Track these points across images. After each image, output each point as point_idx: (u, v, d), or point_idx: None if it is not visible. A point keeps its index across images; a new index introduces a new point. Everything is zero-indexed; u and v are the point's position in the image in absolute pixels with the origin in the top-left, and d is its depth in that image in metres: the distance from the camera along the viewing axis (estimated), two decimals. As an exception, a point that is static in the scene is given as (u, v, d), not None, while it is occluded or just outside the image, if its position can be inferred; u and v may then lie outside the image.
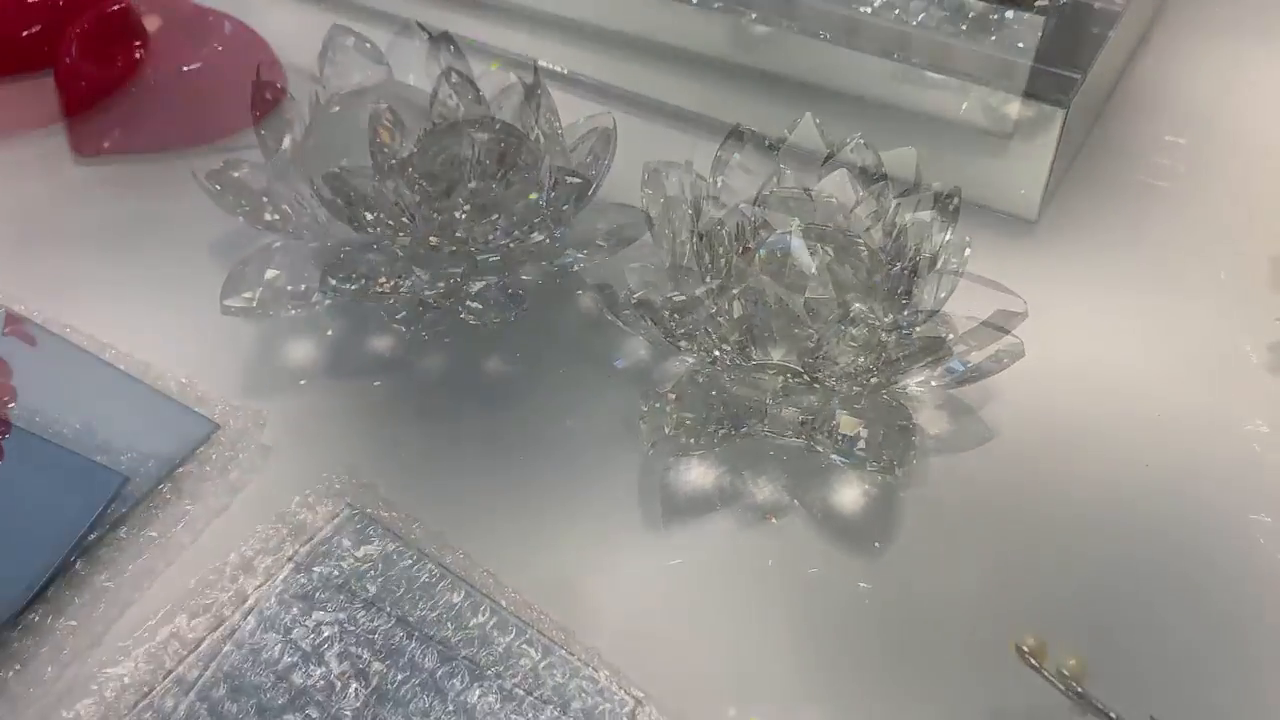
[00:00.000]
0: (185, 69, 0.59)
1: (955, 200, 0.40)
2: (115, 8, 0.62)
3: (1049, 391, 0.45)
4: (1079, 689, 0.35)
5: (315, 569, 0.40)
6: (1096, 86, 0.53)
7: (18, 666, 0.38)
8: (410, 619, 0.38)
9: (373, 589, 0.39)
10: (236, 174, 0.45)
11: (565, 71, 0.60)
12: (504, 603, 0.39)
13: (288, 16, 0.68)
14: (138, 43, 0.62)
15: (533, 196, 0.43)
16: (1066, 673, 0.36)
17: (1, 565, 0.39)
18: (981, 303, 0.42)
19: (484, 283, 0.46)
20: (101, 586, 0.40)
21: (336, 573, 0.40)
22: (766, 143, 0.44)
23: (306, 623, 0.38)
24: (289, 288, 0.46)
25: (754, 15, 0.54)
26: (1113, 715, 0.34)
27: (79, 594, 0.40)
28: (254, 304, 0.46)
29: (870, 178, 0.42)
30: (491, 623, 0.38)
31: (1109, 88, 0.58)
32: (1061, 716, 0.36)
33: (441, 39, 0.46)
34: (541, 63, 0.60)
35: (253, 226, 0.47)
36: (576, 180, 0.43)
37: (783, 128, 0.44)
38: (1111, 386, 0.46)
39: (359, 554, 0.40)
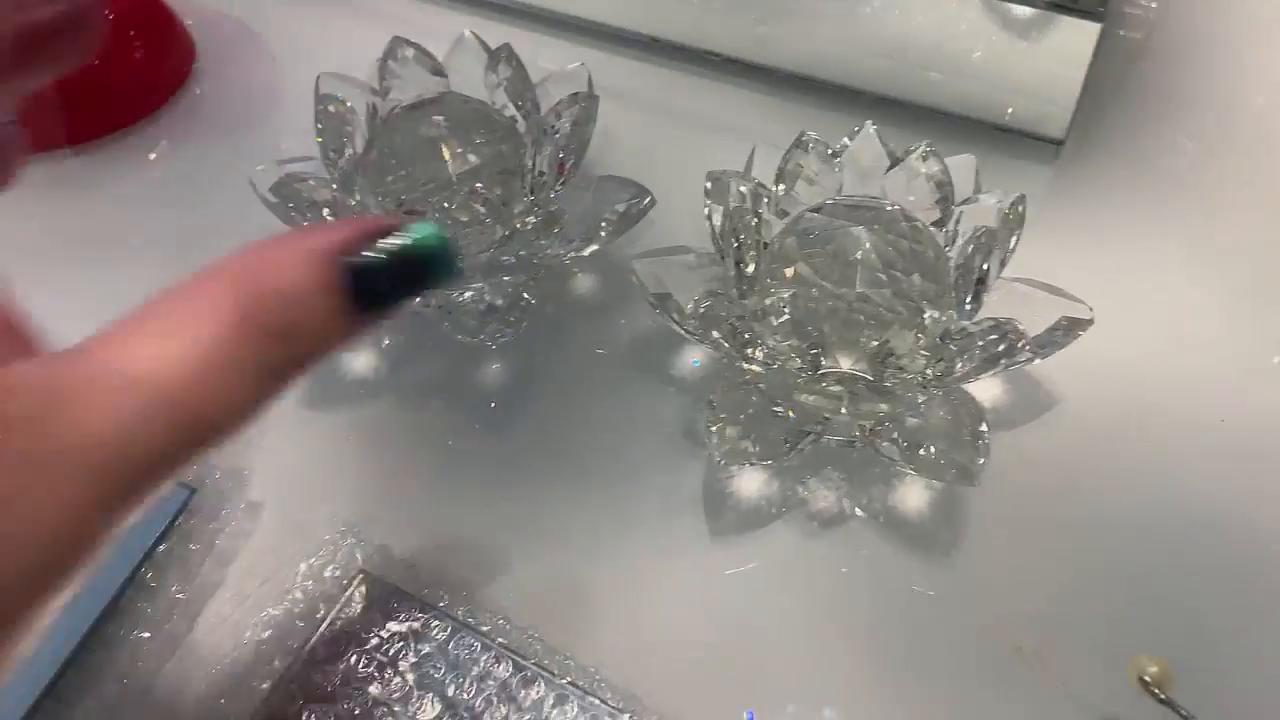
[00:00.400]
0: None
1: (1021, 207, 0.36)
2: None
3: (1105, 344, 0.41)
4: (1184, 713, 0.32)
5: (340, 661, 0.35)
6: None
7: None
8: (457, 704, 0.34)
9: (409, 674, 0.35)
10: (299, 186, 0.40)
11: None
12: (557, 670, 0.35)
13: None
14: None
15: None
16: (1148, 679, 0.33)
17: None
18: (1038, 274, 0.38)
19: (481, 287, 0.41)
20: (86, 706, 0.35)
21: (364, 662, 0.35)
22: (830, 151, 0.39)
23: (339, 721, 0.34)
24: None
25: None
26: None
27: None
28: None
29: (936, 184, 0.38)
30: (550, 698, 0.34)
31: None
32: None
33: (501, 51, 0.43)
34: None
35: None
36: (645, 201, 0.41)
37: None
38: (1170, 335, 0.42)
39: (384, 632, 0.36)
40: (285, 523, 0.39)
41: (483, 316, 0.41)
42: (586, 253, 0.42)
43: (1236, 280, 0.44)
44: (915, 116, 0.49)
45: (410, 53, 0.44)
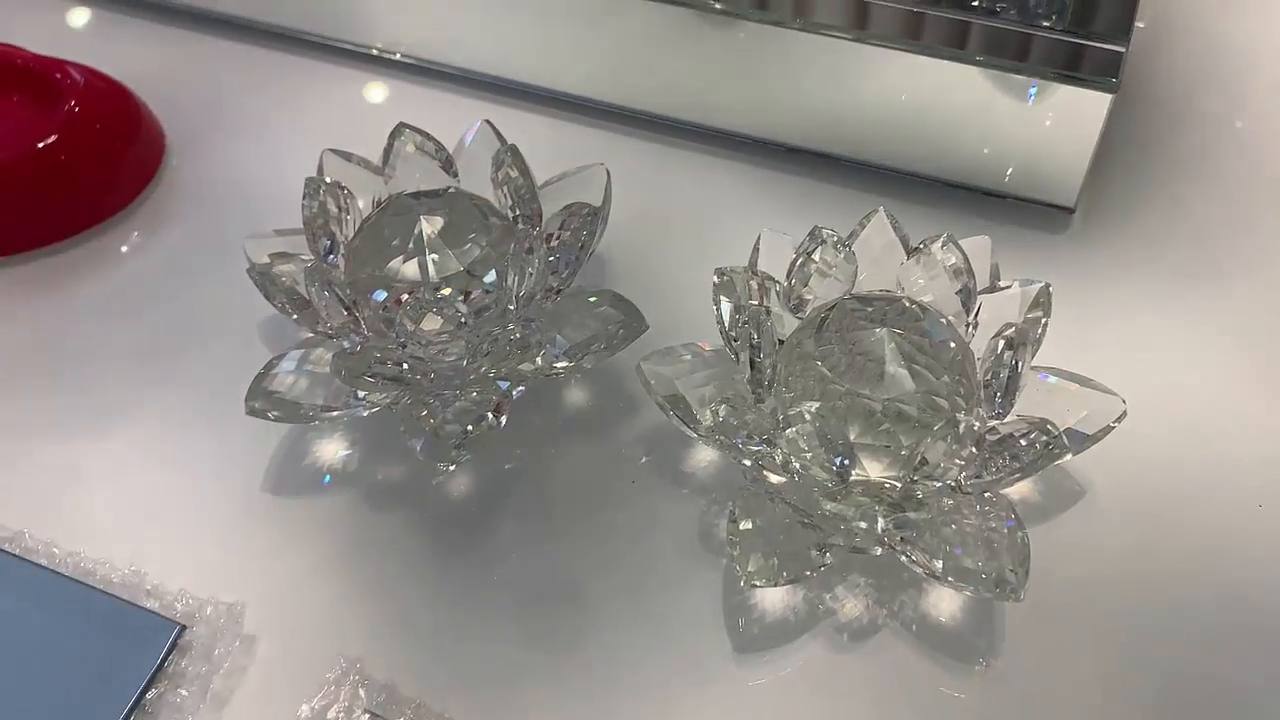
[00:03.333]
0: (39, 145, 0.48)
1: (1047, 296, 0.35)
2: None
3: (1132, 427, 0.39)
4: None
5: (350, 819, 0.33)
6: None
7: None
8: None
9: (424, 829, 0.32)
10: (281, 270, 0.39)
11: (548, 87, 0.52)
12: (583, 815, 0.33)
13: (148, 49, 0.57)
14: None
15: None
16: None
17: None
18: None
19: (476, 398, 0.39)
20: None
21: (377, 818, 0.33)
22: (841, 243, 0.37)
23: None
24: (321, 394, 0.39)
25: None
26: None
27: None
28: (292, 400, 0.39)
29: (955, 274, 0.36)
30: None
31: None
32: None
33: (505, 152, 0.41)
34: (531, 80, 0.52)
35: (304, 328, 0.40)
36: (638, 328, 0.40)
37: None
38: (1196, 415, 0.41)
39: (396, 781, 0.33)
40: (283, 659, 0.37)
41: (441, 435, 0.39)
42: (561, 374, 0.40)
43: (1262, 354, 0.42)
44: (921, 188, 0.47)
45: (415, 139, 0.42)
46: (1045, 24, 0.42)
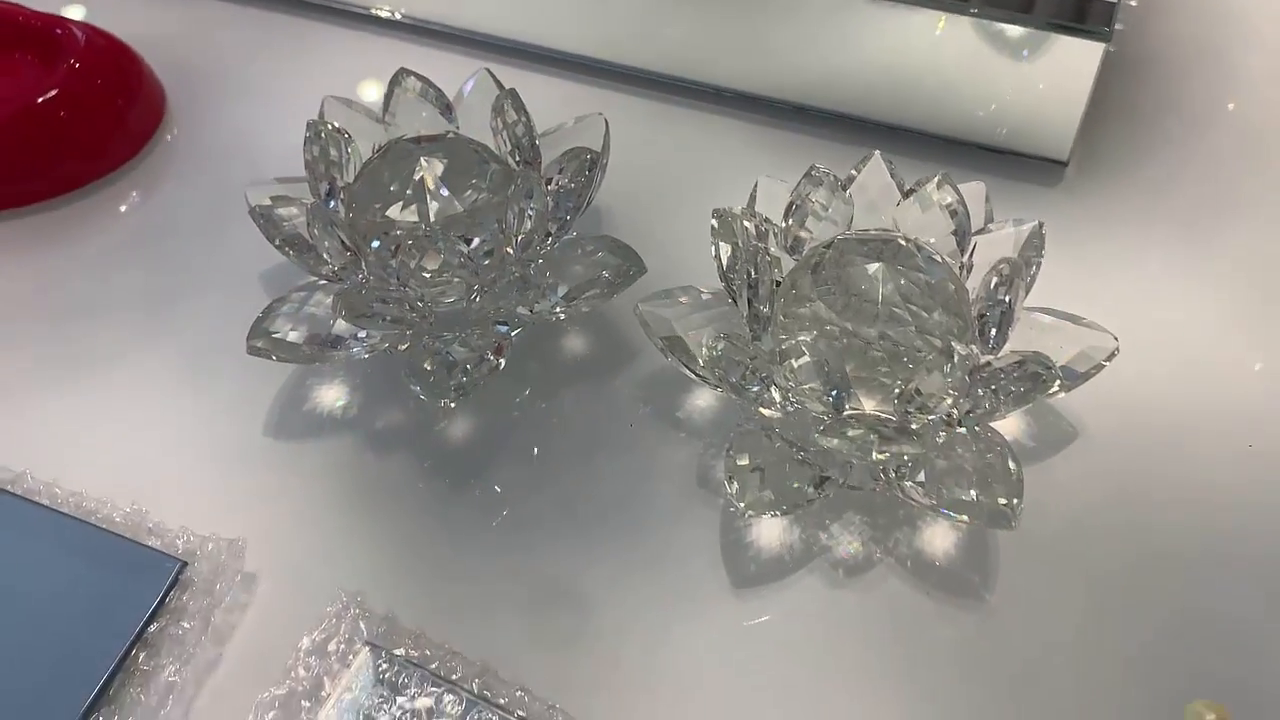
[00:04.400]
0: (39, 100, 0.48)
1: (1040, 235, 0.35)
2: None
3: (1124, 370, 0.40)
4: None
5: (351, 744, 0.33)
6: None
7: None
8: (477, 785, 0.32)
9: (425, 754, 0.33)
10: (282, 212, 0.40)
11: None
12: (582, 741, 0.33)
13: (150, 9, 0.57)
14: (-29, 70, 0.52)
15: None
16: None
17: (63, 661, 0.35)
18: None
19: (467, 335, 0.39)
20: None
21: (377, 743, 0.33)
22: (839, 183, 0.38)
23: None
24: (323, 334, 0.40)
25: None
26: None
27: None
28: (293, 341, 0.39)
29: (951, 214, 0.37)
30: (575, 773, 0.32)
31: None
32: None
33: (505, 96, 0.41)
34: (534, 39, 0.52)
35: (305, 271, 0.40)
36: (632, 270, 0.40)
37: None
38: (1187, 358, 0.41)
39: (395, 709, 0.34)
40: (283, 594, 0.37)
41: (441, 373, 0.39)
42: (562, 316, 0.40)
43: (1256, 298, 0.43)
44: (916, 143, 0.48)
45: (416, 85, 0.42)
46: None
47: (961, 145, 0.47)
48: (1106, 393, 0.39)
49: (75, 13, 0.53)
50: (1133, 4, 0.52)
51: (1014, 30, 0.44)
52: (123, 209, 0.50)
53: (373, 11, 0.55)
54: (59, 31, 0.51)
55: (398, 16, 0.55)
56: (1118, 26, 0.51)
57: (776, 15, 0.47)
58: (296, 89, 0.53)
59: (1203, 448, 0.39)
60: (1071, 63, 0.43)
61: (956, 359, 0.33)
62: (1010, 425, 0.40)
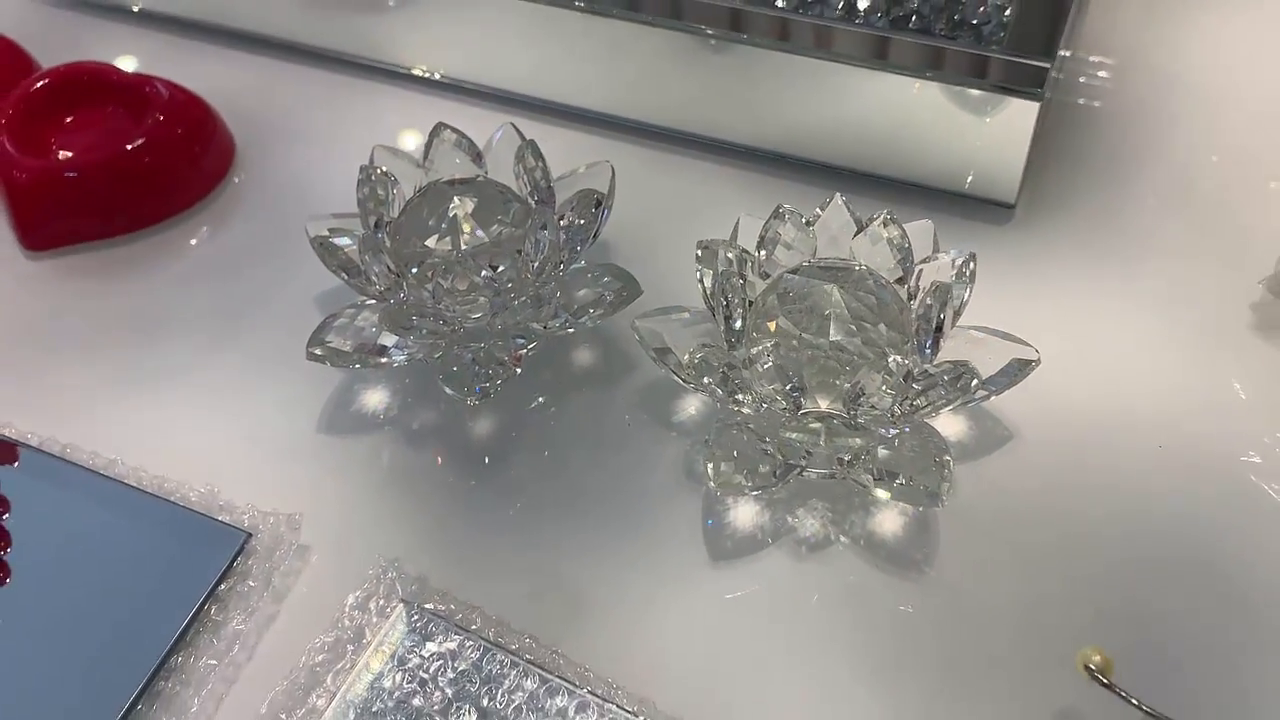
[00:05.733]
0: (129, 147, 0.56)
1: (972, 264, 0.42)
2: (39, 85, 0.59)
3: (1055, 384, 0.46)
4: (1144, 705, 0.37)
5: (384, 680, 0.40)
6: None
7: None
8: (491, 713, 0.39)
9: (448, 689, 0.39)
10: (337, 242, 0.47)
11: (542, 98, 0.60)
12: (578, 681, 0.39)
13: (223, 69, 0.66)
14: (70, 119, 0.60)
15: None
16: (1093, 667, 0.38)
17: (148, 612, 0.43)
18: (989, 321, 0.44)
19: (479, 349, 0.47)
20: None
21: (407, 679, 0.40)
22: (804, 220, 0.45)
23: (387, 731, 0.39)
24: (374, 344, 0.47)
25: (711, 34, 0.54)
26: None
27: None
28: (344, 349, 0.47)
29: (895, 247, 0.44)
30: (572, 706, 0.39)
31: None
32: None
33: (527, 145, 0.49)
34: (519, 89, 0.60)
35: (356, 292, 0.48)
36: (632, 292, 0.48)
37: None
38: (1112, 373, 0.47)
39: (424, 653, 0.40)
40: (332, 561, 0.44)
41: (468, 377, 0.46)
42: (570, 330, 0.47)
43: (1170, 321, 0.49)
44: (890, 188, 0.55)
45: (451, 136, 0.50)
46: (990, 44, 0.50)
47: (930, 190, 0.54)
48: (1039, 400, 0.46)
49: (157, 69, 0.62)
50: (1098, 61, 0.59)
51: (968, 92, 0.51)
52: (193, 242, 0.57)
53: (413, 71, 0.63)
54: (147, 89, 0.59)
55: (436, 76, 0.62)
56: (1084, 80, 0.58)
57: (761, 78, 0.54)
58: (348, 137, 0.61)
59: (1120, 447, 0.45)
60: (1014, 119, 0.50)
61: (894, 365, 0.40)
62: (956, 428, 0.46)
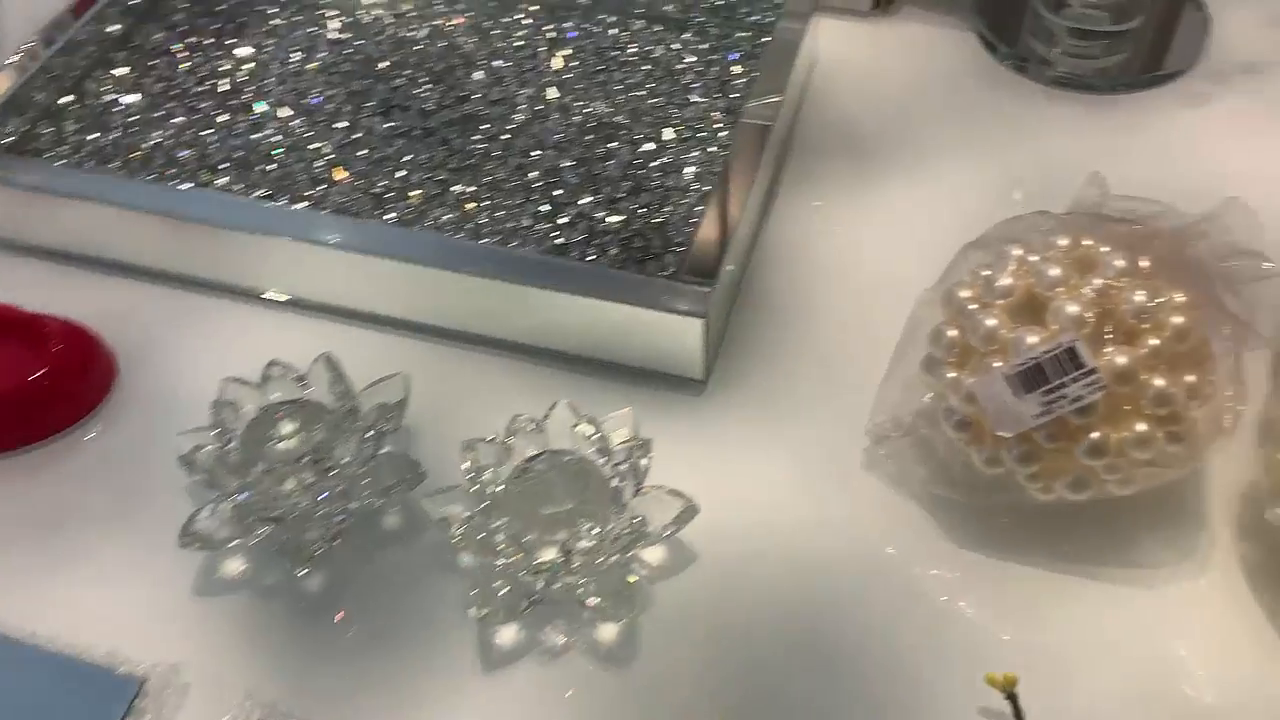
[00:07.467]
0: (30, 379, 0.72)
1: (648, 449, 0.62)
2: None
3: (729, 519, 0.65)
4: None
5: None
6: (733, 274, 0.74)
7: None
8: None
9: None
10: (199, 455, 0.65)
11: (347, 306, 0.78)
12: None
13: (102, 296, 0.81)
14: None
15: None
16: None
17: None
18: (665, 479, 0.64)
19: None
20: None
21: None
22: (533, 425, 0.64)
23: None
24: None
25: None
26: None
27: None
28: (209, 535, 0.64)
29: (599, 438, 0.63)
30: (379, 785, 0.56)
31: (747, 249, 0.79)
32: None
33: (321, 359, 0.68)
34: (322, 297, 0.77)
35: (213, 490, 0.65)
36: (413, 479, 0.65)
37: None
38: (770, 510, 0.67)
39: (275, 757, 0.57)
40: (210, 695, 0.60)
41: (299, 550, 0.64)
42: (377, 506, 0.65)
43: (819, 472, 0.69)
44: (614, 370, 0.73)
45: (279, 370, 0.67)
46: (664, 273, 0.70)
47: (647, 371, 0.73)
48: (717, 534, 0.64)
49: (45, 295, 0.77)
50: (776, 256, 0.79)
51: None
52: (83, 449, 0.73)
53: (264, 294, 0.80)
54: (46, 325, 0.74)
55: (280, 299, 0.80)
56: (764, 275, 0.78)
57: (514, 297, 0.73)
58: (210, 347, 0.77)
59: (777, 570, 0.64)
60: (688, 329, 0.69)
61: (587, 526, 0.58)
62: (658, 556, 0.64)
